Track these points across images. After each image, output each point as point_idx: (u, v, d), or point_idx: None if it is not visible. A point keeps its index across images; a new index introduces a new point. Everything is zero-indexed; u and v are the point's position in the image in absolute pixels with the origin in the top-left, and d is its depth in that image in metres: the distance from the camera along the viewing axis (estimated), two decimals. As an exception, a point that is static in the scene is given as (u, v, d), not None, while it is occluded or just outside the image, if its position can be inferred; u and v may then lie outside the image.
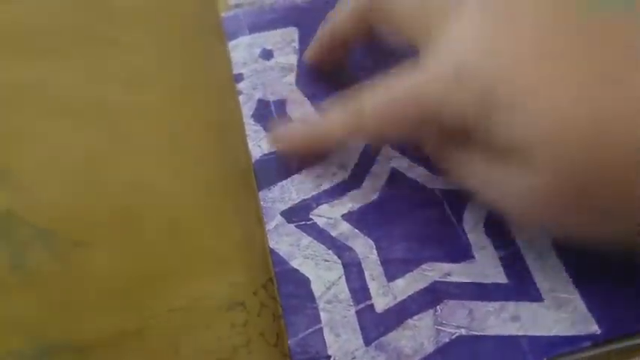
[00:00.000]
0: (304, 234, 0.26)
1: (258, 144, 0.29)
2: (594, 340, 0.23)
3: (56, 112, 0.28)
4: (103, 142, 0.28)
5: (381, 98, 0.24)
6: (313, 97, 0.31)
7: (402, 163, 0.28)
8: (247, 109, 0.30)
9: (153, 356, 0.22)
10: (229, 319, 0.24)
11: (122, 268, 0.24)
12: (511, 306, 0.24)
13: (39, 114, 0.28)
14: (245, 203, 0.27)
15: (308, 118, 0.30)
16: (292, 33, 0.34)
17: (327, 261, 0.25)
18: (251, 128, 0.29)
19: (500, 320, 0.23)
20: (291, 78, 0.32)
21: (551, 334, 0.23)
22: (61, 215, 0.25)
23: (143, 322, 0.23)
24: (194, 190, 0.27)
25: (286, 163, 0.28)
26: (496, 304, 0.24)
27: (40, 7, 0.31)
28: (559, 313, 0.23)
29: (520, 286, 0.24)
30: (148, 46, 0.31)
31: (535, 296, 0.24)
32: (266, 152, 0.29)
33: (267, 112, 0.30)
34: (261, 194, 0.27)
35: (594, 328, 0.23)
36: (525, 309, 0.24)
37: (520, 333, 0.23)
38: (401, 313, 0.24)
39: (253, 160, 0.28)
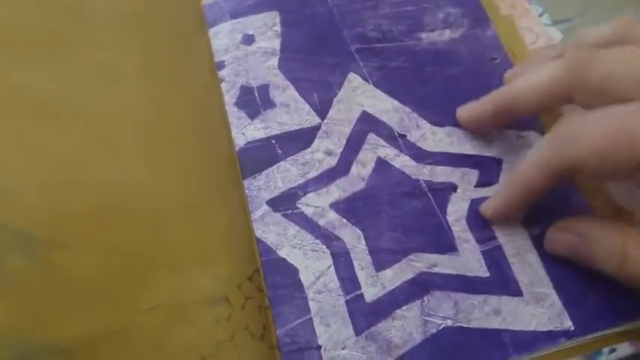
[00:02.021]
0: (291, 223, 0.26)
1: (242, 132, 0.28)
2: (568, 337, 0.24)
3: (33, 114, 0.26)
4: (81, 141, 0.26)
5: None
6: (297, 81, 0.30)
7: (388, 152, 0.28)
8: (230, 97, 0.29)
9: (136, 355, 0.21)
10: (213, 314, 0.23)
11: (102, 268, 0.23)
12: (493, 300, 0.24)
13: (16, 116, 0.26)
14: (229, 193, 0.27)
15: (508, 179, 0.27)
16: (274, 16, 0.33)
17: (316, 251, 0.25)
18: (234, 115, 0.28)
19: (483, 313, 0.24)
20: (274, 62, 0.31)
21: (530, 328, 0.24)
22: (38, 217, 0.23)
23: (126, 321, 0.22)
24: (175, 184, 0.26)
25: (271, 151, 0.28)
26: (479, 297, 0.24)
27: (16, 10, 0.29)
28: (537, 308, 0.24)
29: (501, 281, 0.25)
30: (128, 43, 0.30)
31: (515, 291, 0.25)
32: (250, 140, 0.28)
33: (251, 99, 0.29)
34: (245, 183, 0.27)
35: (568, 325, 0.24)
36: (506, 303, 0.24)
37: (502, 327, 0.24)
38: (390, 303, 0.24)
39: (237, 149, 0.28)
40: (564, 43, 0.30)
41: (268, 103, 0.29)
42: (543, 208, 0.27)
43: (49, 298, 0.22)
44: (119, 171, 0.26)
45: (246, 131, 0.28)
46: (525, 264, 0.25)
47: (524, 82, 0.26)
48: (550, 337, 0.24)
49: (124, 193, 0.25)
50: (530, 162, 0.24)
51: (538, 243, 0.26)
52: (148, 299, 0.23)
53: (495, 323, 0.24)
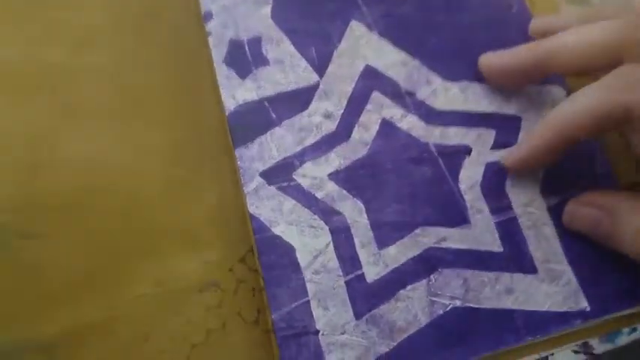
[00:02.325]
0: (287, 197, 0.24)
1: (232, 93, 0.25)
2: (584, 318, 0.22)
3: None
4: (47, 116, 0.24)
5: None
6: (292, 33, 0.27)
7: (394, 113, 0.25)
8: (218, 54, 0.26)
9: (122, 347, 0.20)
10: (202, 302, 0.22)
11: (80, 257, 0.21)
12: (506, 277, 0.23)
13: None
14: (219, 165, 0.25)
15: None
16: (266, -44, 0.29)
17: (313, 227, 0.23)
18: (223, 75, 0.26)
19: (494, 292, 0.22)
20: (267, 10, 0.27)
21: (544, 309, 0.22)
22: (4, 206, 0.22)
23: (109, 313, 0.21)
24: (157, 158, 0.24)
25: (264, 115, 0.25)
26: (491, 275, 0.23)
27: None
28: (552, 286, 0.22)
29: (515, 256, 0.23)
30: (99, 2, 0.26)
31: (529, 268, 0.23)
32: (241, 103, 0.25)
33: (241, 55, 0.26)
34: (237, 152, 0.24)
35: (584, 305, 0.22)
36: (519, 281, 0.23)
37: (514, 307, 0.22)
38: (393, 283, 0.22)
39: (227, 113, 0.25)
40: (602, 5, 0.27)
41: (260, 60, 0.26)
42: (563, 177, 0.24)
43: (23, 292, 0.21)
44: (92, 147, 0.23)
45: (236, 93, 0.26)
46: (541, 238, 0.23)
47: (564, 40, 0.23)
48: (565, 318, 0.22)
49: (98, 171, 0.23)
50: (575, 105, 0.22)
51: (555, 215, 0.24)
52: (132, 288, 0.21)
53: (507, 303, 0.22)
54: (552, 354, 0.22)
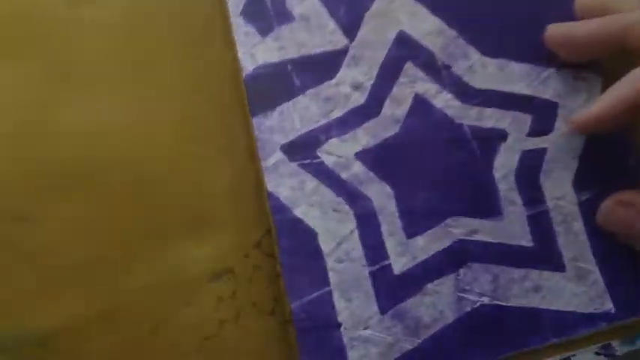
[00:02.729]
0: (309, 175, 0.21)
1: (251, 51, 0.23)
2: (609, 320, 0.21)
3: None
4: (40, 80, 0.20)
5: None
6: None
7: (428, 88, 0.23)
8: (234, 5, 0.23)
9: (127, 340, 0.18)
10: (214, 291, 0.20)
11: (80, 242, 0.19)
12: (534, 274, 0.22)
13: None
14: (234, 136, 0.22)
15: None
16: None
17: (337, 211, 0.21)
18: (241, 30, 0.23)
19: (523, 290, 0.21)
20: (290, -45, 0.24)
21: (570, 309, 0.21)
22: None
23: (112, 303, 0.19)
24: (164, 129, 0.21)
25: (287, 81, 0.22)
26: (521, 272, 0.21)
27: None
28: (579, 286, 0.22)
29: (545, 252, 0.22)
30: None
31: (558, 265, 0.22)
32: (260, 64, 0.22)
33: (262, 9, 0.23)
34: (255, 122, 0.22)
35: (609, 306, 0.22)
36: (548, 279, 0.22)
37: (541, 306, 0.21)
38: (420, 276, 0.21)
39: (244, 75, 0.22)
40: None
41: (284, 16, 0.23)
42: (597, 171, 0.23)
43: (16, 282, 0.18)
44: (91, 117, 0.20)
45: (255, 51, 0.23)
46: (570, 234, 0.22)
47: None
48: (591, 320, 0.21)
49: (98, 145, 0.20)
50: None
51: (585, 210, 0.23)
52: (138, 276, 0.19)
53: (534, 302, 0.21)
54: (574, 355, 0.22)
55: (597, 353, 0.22)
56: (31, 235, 0.18)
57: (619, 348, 0.22)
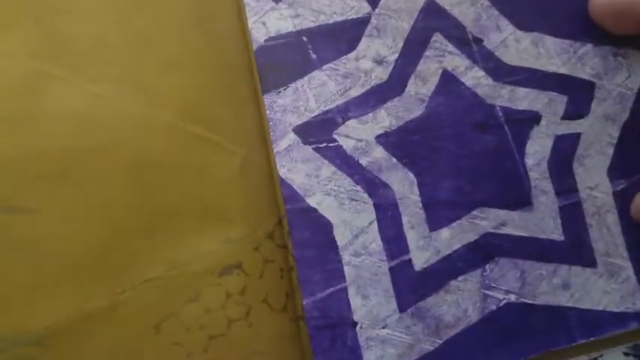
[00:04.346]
0: (325, 161, 0.20)
1: (262, 20, 0.20)
2: None
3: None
4: (30, 55, 0.18)
5: None
6: None
7: (457, 63, 0.21)
8: (246, -36, 0.20)
9: (128, 338, 0.17)
10: (223, 287, 0.18)
11: (78, 234, 0.17)
12: (563, 270, 0.20)
13: None
14: (243, 116, 0.20)
15: None
16: None
17: (355, 200, 0.19)
18: (252, -6, 0.20)
19: (551, 287, 0.20)
20: None
21: (600, 307, 0.20)
22: None
23: (113, 299, 0.17)
24: (166, 108, 0.19)
25: (302, 53, 0.20)
26: (549, 267, 0.20)
27: None
28: (609, 283, 0.20)
29: (575, 246, 0.20)
30: None
31: (588, 260, 0.20)
32: (273, 35, 0.20)
33: (275, -31, 0.20)
34: (266, 99, 0.20)
35: None
36: (577, 275, 0.20)
37: (570, 304, 0.20)
38: (443, 272, 0.19)
39: (255, 47, 0.20)
40: None
41: (300, -22, 0.21)
42: (633, 158, 0.21)
43: (13, 277, 0.16)
44: (87, 95, 0.18)
45: (267, 19, 0.20)
46: (603, 227, 0.21)
47: None
48: (621, 319, 0.20)
49: (97, 128, 0.18)
50: None
51: (620, 201, 0.21)
52: (141, 271, 0.17)
53: (562, 299, 0.20)
54: (602, 355, 0.20)
55: (626, 354, 0.21)
56: (27, 228, 0.17)
57: (649, 348, 0.21)
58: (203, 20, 0.20)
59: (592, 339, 0.20)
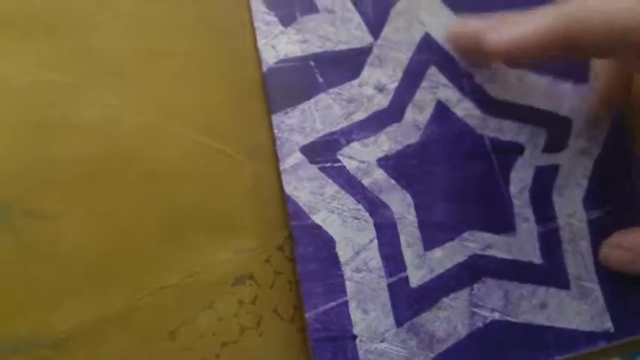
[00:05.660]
0: (329, 180, 0.21)
1: (272, 43, 0.21)
2: (608, 340, 0.22)
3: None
4: (57, 71, 0.18)
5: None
6: None
7: (449, 95, 0.23)
8: (259, -10, 0.21)
9: (143, 343, 0.17)
10: (235, 296, 0.18)
11: (97, 241, 0.17)
12: (541, 291, 0.22)
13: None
14: (256, 134, 0.20)
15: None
16: None
17: (357, 219, 0.20)
18: (262, 19, 0.21)
19: (531, 306, 0.21)
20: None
21: (572, 327, 0.22)
22: (9, 181, 0.17)
23: (130, 305, 0.17)
24: (182, 122, 0.19)
25: (309, 77, 0.21)
26: (529, 288, 0.22)
27: None
28: (581, 304, 0.22)
29: (552, 270, 0.22)
30: None
31: (563, 283, 0.22)
32: (282, 57, 0.21)
33: (286, -4, 0.21)
34: (274, 119, 0.20)
35: (608, 326, 0.22)
36: (553, 296, 0.22)
37: (547, 323, 0.22)
38: (437, 289, 0.21)
39: (265, 69, 0.21)
40: None
41: (308, 6, 0.22)
42: (605, 190, 0.23)
43: (32, 280, 0.16)
44: (111, 109, 0.18)
45: (277, 43, 0.21)
46: (577, 253, 0.23)
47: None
48: (590, 338, 0.22)
49: (117, 139, 0.18)
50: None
51: (593, 229, 0.23)
52: (157, 278, 0.17)
53: (541, 318, 0.22)
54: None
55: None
56: (46, 233, 0.17)
57: (618, 365, 0.23)
58: (217, 36, 0.20)
59: (566, 355, 0.22)
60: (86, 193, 0.17)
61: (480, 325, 0.21)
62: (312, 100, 0.21)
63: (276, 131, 0.20)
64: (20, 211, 0.16)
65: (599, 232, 0.23)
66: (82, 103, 0.18)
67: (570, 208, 0.23)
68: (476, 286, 0.21)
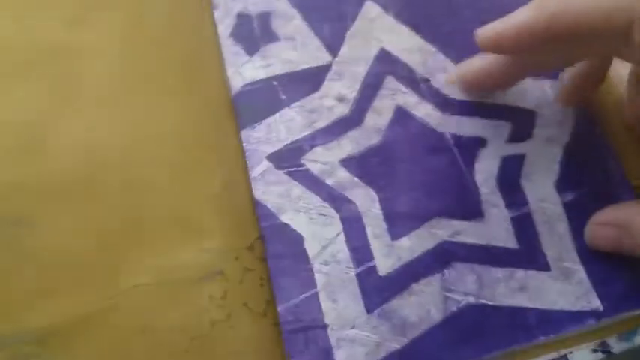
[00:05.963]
0: (295, 183, 0.22)
1: (239, 70, 0.24)
2: (597, 318, 0.21)
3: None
4: (42, 96, 0.22)
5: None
6: (304, 9, 0.25)
7: (408, 99, 0.24)
8: (224, 28, 0.24)
9: (119, 339, 0.19)
10: (205, 291, 0.20)
11: (75, 244, 0.20)
12: (520, 274, 0.22)
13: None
14: (224, 147, 0.23)
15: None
16: None
17: (323, 215, 0.22)
18: (229, 50, 0.24)
19: (509, 289, 0.21)
20: (277, -16, 0.26)
21: (557, 307, 0.21)
22: None
23: (105, 302, 0.19)
24: (157, 139, 0.22)
25: (273, 95, 0.24)
26: (505, 271, 0.22)
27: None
28: (564, 285, 0.22)
29: (529, 253, 0.22)
30: None
31: (543, 265, 0.22)
32: (248, 81, 0.24)
33: (249, 30, 0.25)
34: (243, 134, 0.23)
35: (597, 304, 0.21)
36: (533, 278, 0.22)
37: (528, 305, 0.21)
38: (406, 276, 0.21)
39: (233, 93, 0.23)
40: None
41: (269, 36, 0.25)
42: (578, 173, 0.24)
43: (14, 282, 0.19)
44: (89, 130, 0.22)
45: (243, 70, 0.24)
46: (555, 235, 0.23)
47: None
48: (578, 317, 0.21)
49: (96, 156, 0.21)
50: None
51: (570, 211, 0.23)
52: (130, 278, 0.20)
53: (521, 300, 0.21)
54: (571, 352, 0.21)
55: (594, 350, 0.22)
56: (32, 238, 0.19)
57: (615, 345, 0.22)
58: (189, 69, 0.24)
59: (552, 336, 0.21)
60: (66, 203, 0.20)
61: (455, 309, 0.21)
62: (277, 115, 0.23)
63: (245, 144, 0.23)
64: (7, 219, 0.19)
65: (577, 214, 0.23)
66: (64, 128, 0.21)
67: (541, 192, 0.23)
68: (446, 271, 0.22)
